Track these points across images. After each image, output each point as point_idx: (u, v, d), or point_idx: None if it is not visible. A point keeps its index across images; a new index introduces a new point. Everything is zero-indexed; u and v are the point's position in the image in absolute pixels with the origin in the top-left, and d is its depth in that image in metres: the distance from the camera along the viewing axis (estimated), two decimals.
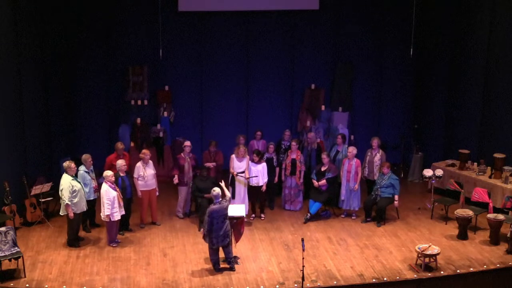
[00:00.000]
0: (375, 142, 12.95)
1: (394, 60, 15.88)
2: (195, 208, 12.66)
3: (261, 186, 12.51)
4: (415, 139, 15.64)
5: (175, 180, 12.41)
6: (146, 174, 11.98)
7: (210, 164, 12.66)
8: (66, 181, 10.97)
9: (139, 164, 12.05)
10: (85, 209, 11.34)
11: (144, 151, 12.17)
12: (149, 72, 15.09)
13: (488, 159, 13.14)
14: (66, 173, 11.05)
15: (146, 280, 10.05)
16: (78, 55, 14.78)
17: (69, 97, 14.79)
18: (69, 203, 10.91)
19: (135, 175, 11.98)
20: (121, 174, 11.54)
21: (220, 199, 10.16)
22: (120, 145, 12.35)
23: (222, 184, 10.93)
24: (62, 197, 10.94)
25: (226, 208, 10.19)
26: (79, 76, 14.88)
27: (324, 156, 12.64)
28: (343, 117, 15.42)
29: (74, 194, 10.97)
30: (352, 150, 12.61)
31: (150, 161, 12.16)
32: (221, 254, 10.43)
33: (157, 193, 12.26)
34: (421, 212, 13.04)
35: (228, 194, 10.61)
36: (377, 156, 12.88)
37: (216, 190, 10.24)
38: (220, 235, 10.13)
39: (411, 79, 16.11)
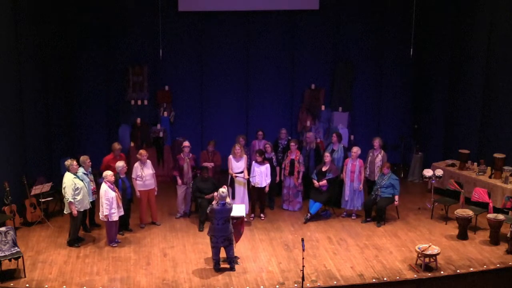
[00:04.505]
0: (376, 142, 12.94)
1: (394, 60, 15.87)
2: (195, 208, 12.67)
3: (264, 187, 12.51)
4: (415, 139, 15.64)
5: (179, 181, 12.39)
6: (144, 174, 11.98)
7: (209, 164, 12.66)
8: (69, 179, 11.00)
9: (136, 164, 12.06)
10: (88, 207, 11.37)
11: (141, 151, 12.16)
12: (149, 72, 15.09)
13: (488, 159, 13.14)
14: (68, 171, 11.08)
15: (146, 280, 10.05)
16: (78, 55, 14.78)
17: (69, 97, 14.78)
18: (72, 200, 10.94)
19: (133, 176, 12.00)
20: (121, 176, 11.54)
21: (225, 201, 10.15)
22: (117, 146, 12.35)
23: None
24: (65, 195, 10.97)
25: (229, 211, 10.17)
26: (79, 76, 14.88)
27: (327, 155, 12.62)
28: (343, 117, 15.41)
29: (77, 191, 11.01)
30: (357, 150, 12.58)
31: (148, 161, 12.16)
32: (222, 254, 10.43)
33: (156, 193, 12.26)
34: (421, 212, 13.04)
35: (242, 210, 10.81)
36: (379, 157, 12.87)
37: (224, 192, 10.19)
38: (221, 236, 10.14)
39: (411, 79, 16.11)
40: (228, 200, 10.29)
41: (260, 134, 13.79)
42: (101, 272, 10.29)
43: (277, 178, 13.03)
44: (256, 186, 12.47)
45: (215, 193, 10.26)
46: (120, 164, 11.60)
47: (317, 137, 14.61)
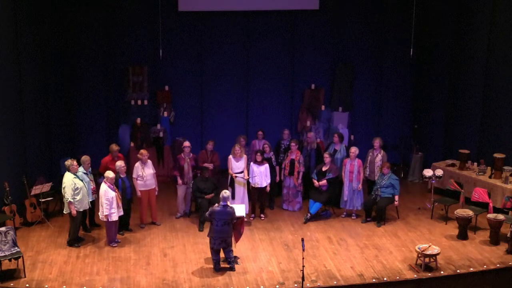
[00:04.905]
0: (377, 142, 12.94)
1: (394, 60, 15.87)
2: (195, 208, 12.67)
3: (264, 187, 12.51)
4: (415, 139, 15.64)
5: (179, 181, 12.40)
6: (144, 174, 11.98)
7: (209, 165, 12.66)
8: (68, 179, 11.01)
9: (137, 164, 12.06)
10: (88, 207, 11.37)
11: (141, 151, 12.17)
12: (149, 72, 15.09)
13: (488, 159, 13.14)
14: (68, 171, 11.08)
15: (146, 280, 10.05)
16: (78, 55, 14.78)
17: (69, 97, 14.78)
18: (72, 200, 10.94)
19: (134, 175, 12.00)
20: (121, 175, 11.54)
21: (226, 203, 10.17)
22: (114, 147, 12.33)
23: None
24: (65, 195, 10.98)
25: (229, 214, 10.18)
26: (79, 76, 14.88)
27: (326, 155, 12.63)
28: (343, 117, 15.42)
29: (77, 191, 11.01)
30: (355, 150, 12.59)
31: (149, 161, 12.16)
32: (222, 254, 10.44)
33: (156, 193, 12.27)
34: (421, 212, 13.04)
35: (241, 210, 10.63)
36: (379, 157, 12.88)
37: (227, 192, 10.25)
38: (218, 237, 10.15)
39: (411, 79, 16.11)
40: (229, 203, 10.34)
41: (260, 134, 13.79)
42: (101, 272, 10.29)
43: (277, 178, 13.03)
44: (256, 186, 12.48)
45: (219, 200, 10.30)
46: (119, 163, 11.61)
47: (317, 137, 14.61)
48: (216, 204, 10.24)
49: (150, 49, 15.01)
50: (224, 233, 10.16)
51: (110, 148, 12.37)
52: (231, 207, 10.25)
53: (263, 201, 12.72)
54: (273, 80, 15.77)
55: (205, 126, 15.74)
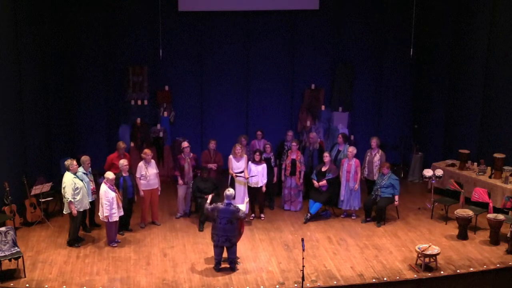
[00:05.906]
0: (374, 142, 12.96)
1: (394, 60, 15.87)
2: (195, 208, 12.67)
3: (261, 186, 12.51)
4: (415, 139, 15.64)
5: (180, 181, 12.41)
6: (148, 173, 11.99)
7: (212, 166, 12.67)
8: (68, 178, 11.01)
9: (141, 163, 12.07)
10: (88, 207, 11.38)
11: (145, 150, 12.19)
12: (149, 72, 15.09)
13: (488, 159, 13.14)
14: (68, 171, 11.08)
15: (146, 280, 10.05)
16: (78, 55, 14.77)
17: (69, 97, 14.78)
18: (72, 200, 10.94)
19: (138, 175, 12.02)
20: (123, 174, 11.56)
21: (231, 201, 10.17)
22: (122, 145, 12.38)
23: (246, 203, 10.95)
24: (65, 194, 10.98)
25: (232, 213, 10.17)
26: (79, 76, 14.88)
27: (326, 155, 12.63)
28: (343, 117, 15.42)
29: (77, 191, 11.01)
30: (352, 150, 12.61)
31: (153, 161, 12.19)
32: (224, 254, 10.44)
33: (159, 193, 12.27)
34: (421, 212, 13.05)
35: (243, 210, 10.55)
36: (377, 156, 12.88)
37: (230, 191, 10.30)
38: (222, 235, 10.15)
39: (411, 79, 16.11)
40: (242, 208, 10.38)
41: (259, 134, 13.80)
42: (101, 272, 10.29)
43: (275, 179, 13.03)
44: (253, 186, 12.47)
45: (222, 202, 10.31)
46: (122, 162, 11.63)
47: (318, 137, 14.60)
48: (220, 202, 10.27)
49: (150, 49, 15.00)
50: (227, 231, 10.15)
51: (117, 145, 12.44)
52: (234, 206, 10.25)
53: (260, 201, 12.71)
54: (273, 80, 15.77)
55: (205, 126, 15.75)
